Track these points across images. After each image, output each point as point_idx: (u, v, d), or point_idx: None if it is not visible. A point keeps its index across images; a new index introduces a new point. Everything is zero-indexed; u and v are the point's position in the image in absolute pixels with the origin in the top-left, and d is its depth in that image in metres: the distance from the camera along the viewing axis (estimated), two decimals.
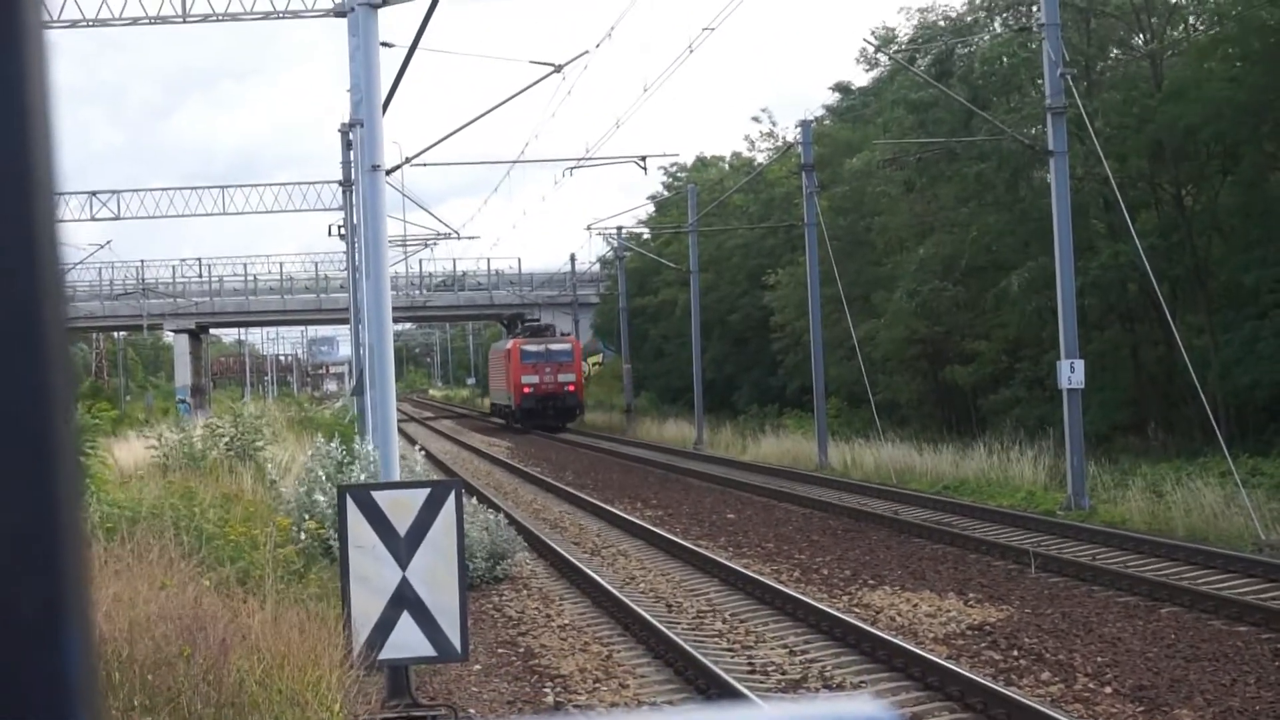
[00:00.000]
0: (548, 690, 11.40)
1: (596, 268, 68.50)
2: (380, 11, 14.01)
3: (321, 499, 15.30)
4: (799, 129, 35.37)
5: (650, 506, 25.87)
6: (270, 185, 71.44)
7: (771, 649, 12.75)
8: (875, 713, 1.25)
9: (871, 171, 35.64)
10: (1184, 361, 20.53)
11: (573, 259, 67.17)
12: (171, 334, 75.21)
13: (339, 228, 35.41)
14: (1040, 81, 24.56)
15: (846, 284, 30.91)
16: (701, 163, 65.12)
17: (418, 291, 72.22)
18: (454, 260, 78.71)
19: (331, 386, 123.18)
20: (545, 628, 14.13)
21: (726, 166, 61.63)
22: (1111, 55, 31.03)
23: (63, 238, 0.89)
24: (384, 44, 14.52)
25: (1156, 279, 21.96)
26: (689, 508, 25.42)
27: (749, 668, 11.97)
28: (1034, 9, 26.67)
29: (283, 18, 27.29)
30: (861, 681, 11.35)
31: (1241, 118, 25.22)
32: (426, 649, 9.40)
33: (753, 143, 55.43)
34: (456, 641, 9.41)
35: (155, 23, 27.60)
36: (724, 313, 48.53)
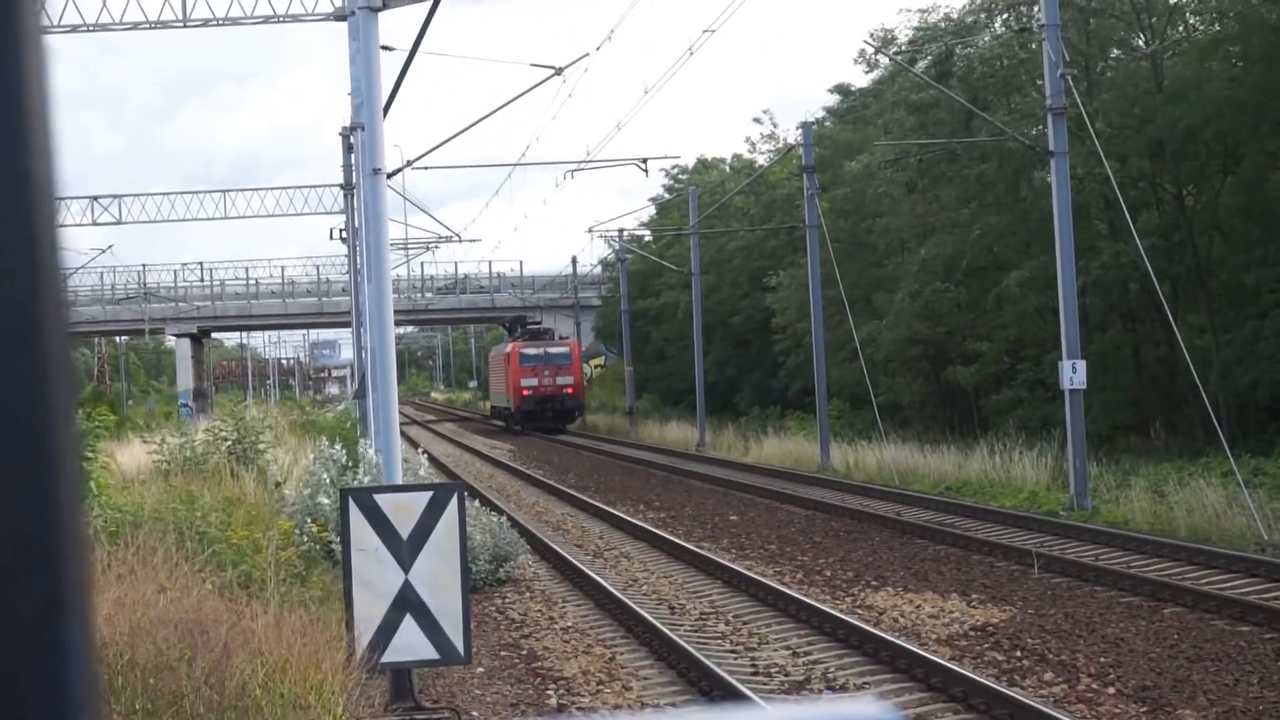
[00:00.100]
0: (551, 693, 11.39)
1: (598, 270, 68.51)
2: (380, 15, 14.02)
3: (325, 501, 15.32)
4: (800, 131, 35.38)
5: (653, 509, 25.85)
6: (271, 189, 71.34)
7: (775, 650, 12.74)
8: (878, 714, 1.26)
9: (872, 173, 35.67)
10: (1185, 361, 20.51)
11: (574, 262, 67.20)
12: (173, 338, 75.21)
13: (340, 231, 35.43)
14: (1040, 82, 24.57)
15: (848, 285, 30.92)
16: (703, 165, 65.14)
17: (419, 295, 72.24)
18: (455, 263, 78.52)
19: (334, 390, 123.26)
20: (548, 630, 14.12)
21: (727, 168, 61.67)
22: (1112, 56, 31.04)
23: (63, 240, 0.89)
24: (384, 47, 14.53)
25: (1158, 279, 21.95)
26: (691, 510, 25.40)
27: (752, 669, 11.96)
28: (1034, 9, 26.69)
29: (283, 22, 27.25)
30: (865, 683, 11.35)
31: (1242, 117, 25.22)
32: (429, 652, 9.40)
33: (754, 144, 55.54)
34: (459, 644, 9.41)
35: (155, 27, 27.57)
36: (725, 315, 48.55)
